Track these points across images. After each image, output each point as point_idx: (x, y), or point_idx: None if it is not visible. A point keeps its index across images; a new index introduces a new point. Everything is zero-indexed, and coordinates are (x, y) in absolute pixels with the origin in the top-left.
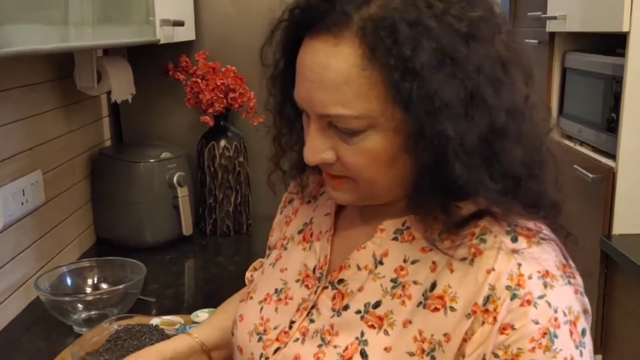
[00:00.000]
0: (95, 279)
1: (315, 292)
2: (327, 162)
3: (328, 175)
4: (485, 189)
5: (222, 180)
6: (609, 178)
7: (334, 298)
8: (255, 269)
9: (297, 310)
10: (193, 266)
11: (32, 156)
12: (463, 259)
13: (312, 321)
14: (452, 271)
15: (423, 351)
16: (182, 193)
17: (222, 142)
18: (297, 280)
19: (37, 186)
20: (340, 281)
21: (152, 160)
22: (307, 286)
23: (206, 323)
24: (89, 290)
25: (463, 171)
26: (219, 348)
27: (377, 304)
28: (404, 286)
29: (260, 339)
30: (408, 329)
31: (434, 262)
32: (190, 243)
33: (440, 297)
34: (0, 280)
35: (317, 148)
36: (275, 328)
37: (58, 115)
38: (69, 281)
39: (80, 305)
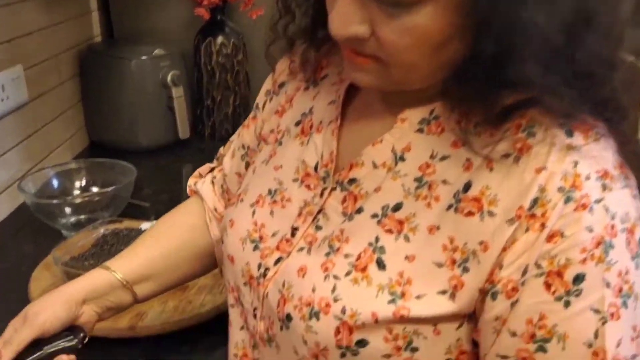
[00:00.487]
0: (84, 182)
1: (321, 194)
2: (358, 38)
3: (352, 53)
4: (553, 92)
5: (219, 80)
6: None
7: (344, 201)
8: (200, 176)
9: (299, 215)
10: (190, 171)
11: (11, 49)
12: (505, 156)
13: (318, 228)
14: (491, 170)
15: (454, 262)
16: (177, 93)
17: (220, 39)
18: (295, 180)
19: (18, 82)
20: (352, 181)
21: (144, 57)
22: (308, 187)
23: (128, 252)
24: (76, 193)
25: (533, 69)
26: (144, 280)
27: (397, 207)
28: (430, 186)
29: (256, 247)
30: (435, 236)
31: (468, 159)
32: (187, 147)
33: (476, 200)
34: None
35: (350, 19)
36: (273, 235)
37: (40, 5)
38: (55, 184)
39: (68, 209)
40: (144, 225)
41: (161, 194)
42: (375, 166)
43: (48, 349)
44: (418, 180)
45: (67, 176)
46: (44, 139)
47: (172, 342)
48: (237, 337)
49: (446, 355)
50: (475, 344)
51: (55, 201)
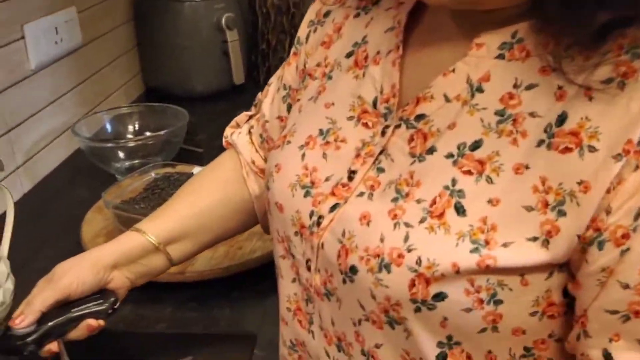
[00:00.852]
0: (137, 126)
1: (383, 133)
2: None
3: None
4: None
5: (275, 23)
6: None
7: (411, 140)
8: (238, 126)
9: (357, 156)
10: None
11: None
12: (607, 81)
13: (381, 170)
14: (590, 98)
15: (546, 205)
16: (232, 37)
17: None
18: (350, 118)
19: (72, 24)
20: (420, 117)
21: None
22: (366, 125)
23: (160, 213)
24: (130, 137)
25: None
26: (178, 240)
27: (476, 145)
28: (515, 120)
29: (307, 194)
30: (523, 176)
31: (560, 87)
32: (242, 93)
33: (574, 134)
34: (38, 124)
35: None
36: (327, 179)
37: None
38: (109, 128)
39: (121, 153)
40: (196, 169)
41: (215, 140)
42: (447, 99)
43: (75, 311)
44: (500, 113)
45: (120, 120)
46: (99, 84)
47: (221, 288)
48: (288, 290)
49: (533, 307)
50: (565, 295)
51: (108, 145)
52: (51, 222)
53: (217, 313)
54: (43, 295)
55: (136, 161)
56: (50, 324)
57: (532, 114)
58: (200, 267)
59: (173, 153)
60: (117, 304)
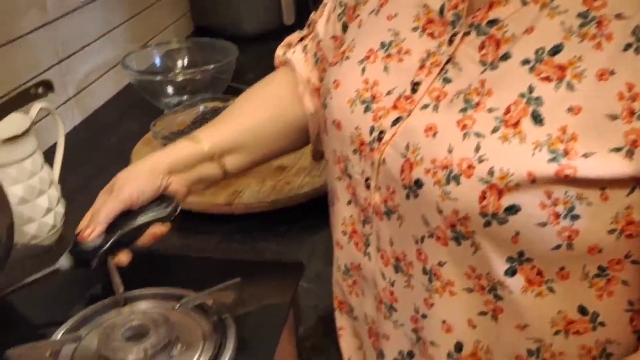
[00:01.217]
0: (186, 61)
1: (450, 41)
2: None
3: None
4: None
5: None
6: None
7: (482, 47)
8: (290, 45)
9: (421, 67)
10: None
11: None
12: None
13: (447, 81)
14: None
15: (632, 113)
16: None
17: None
18: (415, 29)
19: None
20: (492, 22)
21: None
22: (431, 35)
23: (215, 124)
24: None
25: None
26: (232, 152)
27: (556, 49)
28: (599, 22)
29: (367, 108)
30: (608, 82)
31: None
32: (292, 33)
33: None
34: (89, 57)
35: None
36: (388, 93)
37: None
38: (158, 62)
39: (170, 88)
40: None
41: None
42: (524, 2)
43: (142, 218)
44: (583, 15)
45: (169, 56)
46: (148, 21)
47: (268, 222)
48: (343, 212)
49: (611, 225)
50: None
51: (157, 78)
52: (101, 154)
53: (262, 246)
54: (107, 208)
55: (184, 97)
56: (119, 232)
57: (619, 16)
58: (246, 200)
59: (221, 89)
60: (179, 208)
